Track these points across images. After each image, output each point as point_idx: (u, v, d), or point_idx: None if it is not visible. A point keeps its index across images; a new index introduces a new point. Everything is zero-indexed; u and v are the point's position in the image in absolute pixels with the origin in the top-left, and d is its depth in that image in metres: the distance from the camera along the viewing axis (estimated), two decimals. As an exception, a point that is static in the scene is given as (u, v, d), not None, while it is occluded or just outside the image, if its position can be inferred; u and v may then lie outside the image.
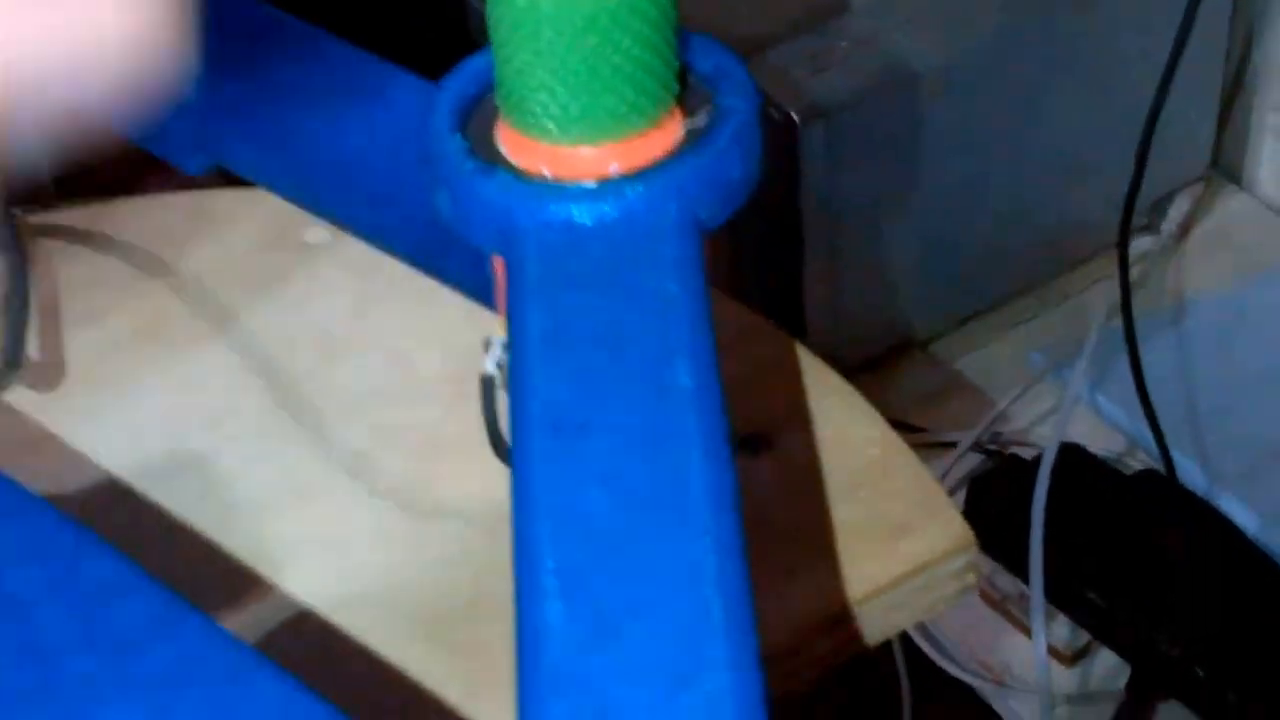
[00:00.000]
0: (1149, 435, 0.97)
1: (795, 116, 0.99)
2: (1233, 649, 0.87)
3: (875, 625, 0.49)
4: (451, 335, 0.55)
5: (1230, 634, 0.88)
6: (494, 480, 0.45)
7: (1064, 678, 0.94)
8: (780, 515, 0.50)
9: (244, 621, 0.49)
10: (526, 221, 0.39)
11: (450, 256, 0.46)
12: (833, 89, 0.99)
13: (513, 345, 0.37)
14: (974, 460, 1.04)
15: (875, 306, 1.10)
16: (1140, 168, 0.82)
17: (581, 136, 0.39)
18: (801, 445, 0.52)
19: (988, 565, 0.98)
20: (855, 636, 0.48)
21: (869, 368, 1.12)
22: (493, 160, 0.40)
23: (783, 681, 0.48)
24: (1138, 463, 0.99)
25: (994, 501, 0.97)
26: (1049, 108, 1.07)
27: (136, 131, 0.55)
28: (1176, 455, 0.96)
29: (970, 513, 0.98)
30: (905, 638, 0.99)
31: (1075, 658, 0.95)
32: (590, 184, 0.39)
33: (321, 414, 0.54)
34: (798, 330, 1.08)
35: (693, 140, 0.40)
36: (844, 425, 0.52)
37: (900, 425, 1.07)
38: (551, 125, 0.39)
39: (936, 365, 1.12)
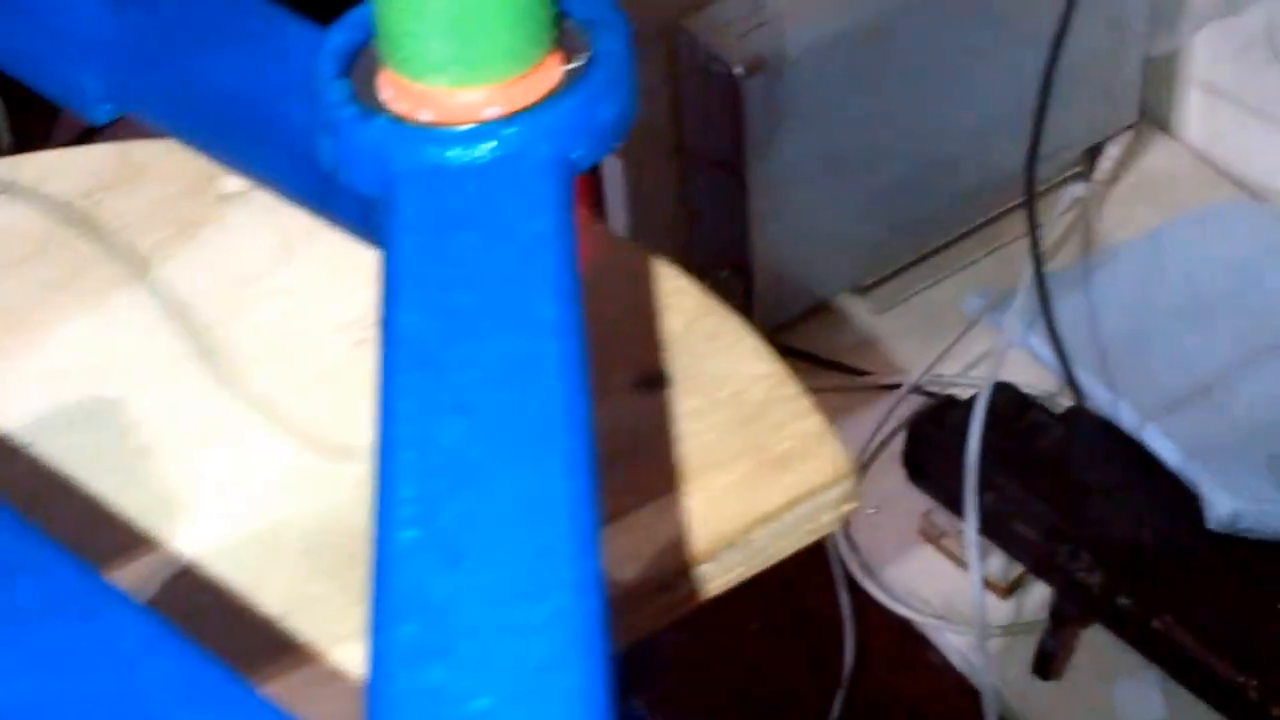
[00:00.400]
0: (1080, 373, 1.01)
1: (736, 70, 1.01)
2: (1155, 576, 0.90)
3: (762, 551, 0.51)
4: (356, 281, 0.56)
5: (1153, 562, 0.91)
6: None
7: (999, 609, 0.98)
8: (674, 449, 0.51)
9: (153, 561, 0.50)
10: (402, 165, 0.39)
11: (340, 200, 0.48)
12: (772, 43, 1.02)
13: (384, 284, 0.38)
14: (916, 402, 1.07)
15: (820, 254, 1.12)
16: (1039, 124, 0.85)
17: (457, 80, 0.39)
18: (695, 381, 0.53)
19: (926, 503, 1.02)
20: (743, 561, 0.51)
21: (814, 313, 1.15)
22: (374, 106, 0.40)
23: (676, 605, 0.50)
24: (1068, 400, 1.01)
25: (931, 441, 1.00)
26: (983, 60, 1.10)
27: (44, 81, 0.56)
28: (1103, 392, 0.99)
29: (909, 453, 1.01)
30: (847, 574, 1.02)
31: (1010, 590, 0.98)
32: (465, 127, 0.39)
33: (234, 359, 0.56)
34: (745, 277, 1.11)
35: (568, 83, 0.41)
36: (734, 362, 0.54)
37: (844, 369, 1.11)
38: (428, 70, 0.39)
39: (879, 311, 1.14)
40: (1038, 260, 0.85)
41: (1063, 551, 0.90)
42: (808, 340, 1.13)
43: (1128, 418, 0.97)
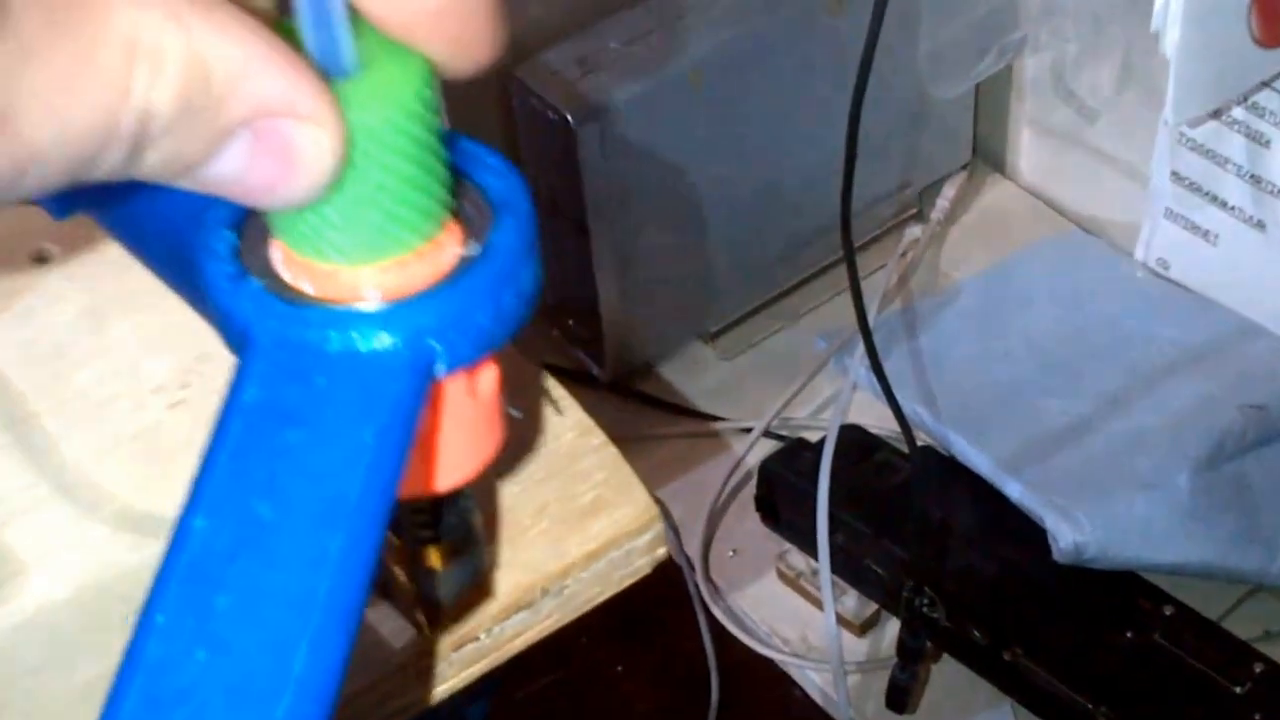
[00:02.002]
0: (923, 413, 1.03)
1: (570, 118, 1.02)
2: (1004, 610, 0.93)
3: (576, 597, 0.52)
4: (173, 340, 0.56)
5: (1002, 596, 0.93)
6: None
7: (855, 646, 1.00)
8: (483, 499, 0.52)
9: None
10: (261, 338, 0.36)
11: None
12: (604, 90, 1.03)
13: (198, 467, 0.35)
14: (768, 445, 1.09)
15: (667, 299, 1.14)
16: (849, 168, 0.86)
17: (332, 257, 0.36)
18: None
19: (781, 545, 1.03)
20: (558, 608, 0.52)
21: (664, 360, 1.16)
22: (256, 266, 0.37)
23: (497, 650, 0.51)
24: (917, 440, 1.03)
25: (782, 484, 1.02)
26: (814, 99, 1.11)
27: None
28: (945, 431, 1.01)
29: (761, 496, 1.03)
30: (710, 617, 1.03)
31: (865, 627, 1.00)
32: (328, 309, 0.36)
33: (45, 428, 0.56)
34: (594, 326, 1.12)
35: (459, 272, 0.36)
36: (541, 413, 0.55)
37: (696, 414, 1.13)
38: (300, 242, 0.36)
39: (728, 356, 1.16)
40: (860, 306, 0.87)
41: (908, 587, 0.92)
42: (658, 387, 1.15)
43: (970, 455, 1.00)
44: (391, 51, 0.35)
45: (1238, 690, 0.88)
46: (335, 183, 0.34)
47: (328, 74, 0.34)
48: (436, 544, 0.45)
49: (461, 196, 0.37)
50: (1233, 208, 1.04)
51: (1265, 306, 1.07)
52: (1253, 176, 1.02)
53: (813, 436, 1.04)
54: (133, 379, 0.57)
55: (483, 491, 0.53)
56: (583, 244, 1.08)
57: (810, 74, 1.11)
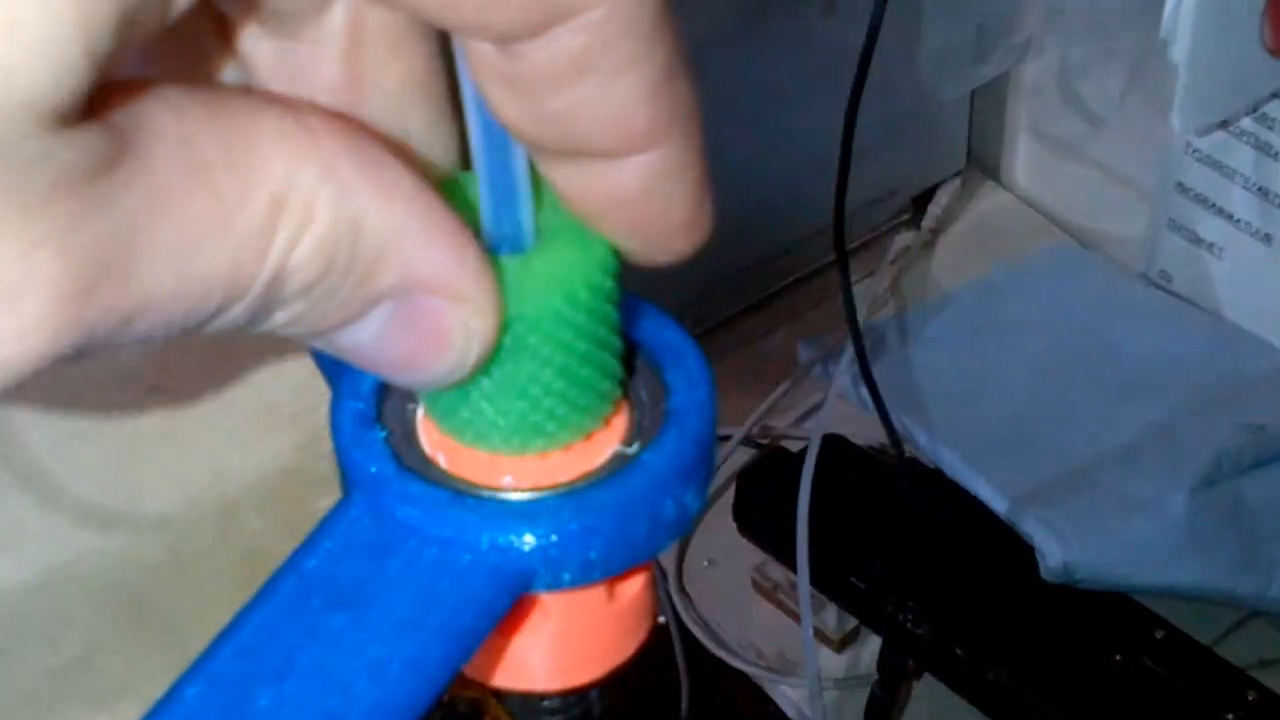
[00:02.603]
0: (910, 424, 1.00)
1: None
2: (988, 628, 0.90)
3: None
4: None
5: (986, 613, 0.90)
6: (176, 484, 0.45)
7: (833, 662, 0.97)
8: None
9: None
10: (360, 492, 0.32)
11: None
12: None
13: (237, 614, 0.31)
14: (747, 454, 1.06)
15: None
16: (843, 172, 0.84)
17: (469, 440, 0.32)
18: None
19: (758, 556, 1.00)
20: None
21: (643, 364, 1.13)
22: (396, 424, 0.33)
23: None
24: (900, 451, 1.01)
25: (760, 494, 0.99)
26: (804, 103, 1.10)
27: None
28: (931, 442, 0.99)
29: (739, 506, 1.00)
30: (682, 628, 1.00)
31: (843, 643, 0.97)
32: (444, 489, 0.32)
33: (11, 419, 0.54)
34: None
35: (611, 470, 0.32)
36: None
37: (674, 420, 1.10)
38: (437, 417, 0.33)
39: (711, 361, 1.13)
40: (852, 314, 0.85)
41: (890, 603, 0.90)
42: (638, 391, 1.12)
43: (958, 469, 0.97)
44: (574, 231, 0.32)
45: (1230, 718, 0.85)
46: (484, 367, 0.31)
47: (496, 247, 0.31)
48: None
49: (635, 377, 0.34)
50: (1239, 220, 1.02)
51: (1269, 321, 1.04)
52: (1260, 189, 1.00)
53: (793, 446, 1.01)
54: (106, 364, 0.54)
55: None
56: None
57: (801, 77, 1.09)
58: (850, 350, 0.99)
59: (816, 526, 0.94)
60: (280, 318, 0.28)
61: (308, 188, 0.27)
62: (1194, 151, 1.02)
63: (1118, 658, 0.88)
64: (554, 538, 0.31)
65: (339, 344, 0.29)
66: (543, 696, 0.39)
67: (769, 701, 0.98)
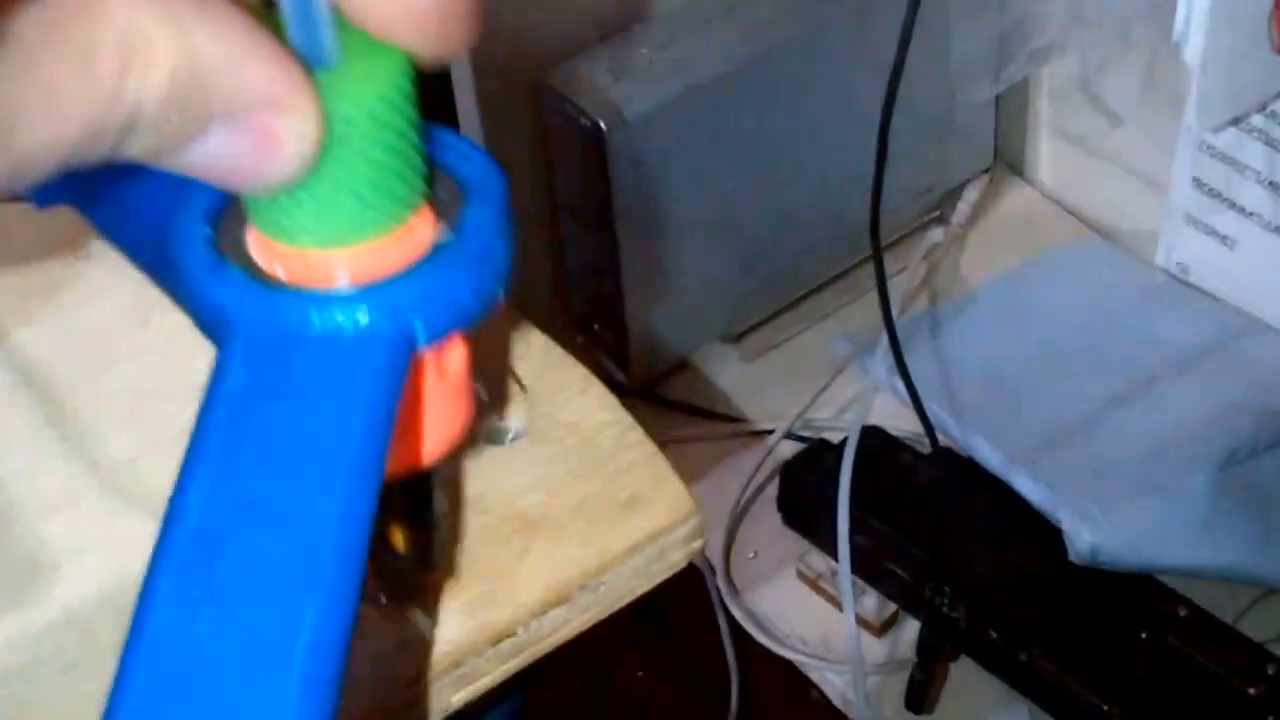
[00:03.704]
0: (944, 416, 1.04)
1: (601, 124, 1.04)
2: (1020, 610, 0.94)
3: (615, 591, 0.53)
4: None
5: (1018, 597, 0.94)
6: None
7: (874, 647, 1.01)
8: (526, 497, 0.53)
9: (15, 624, 0.51)
10: (239, 322, 0.37)
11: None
12: (636, 97, 1.05)
13: (187, 448, 0.37)
14: (791, 447, 1.10)
15: (691, 305, 1.15)
16: (879, 174, 0.87)
17: (307, 241, 0.37)
18: (544, 433, 0.55)
19: (802, 546, 1.05)
20: (596, 602, 0.53)
21: (688, 364, 1.17)
22: (232, 253, 0.38)
23: (534, 645, 0.52)
24: (939, 441, 1.05)
25: (803, 485, 1.03)
26: (840, 107, 1.13)
27: None
28: (965, 432, 1.02)
29: (783, 498, 1.05)
30: (730, 618, 1.05)
31: (884, 628, 1.01)
32: (308, 292, 0.37)
33: (89, 424, 0.56)
34: (619, 331, 1.13)
35: (433, 253, 0.37)
36: (581, 411, 0.56)
37: (719, 417, 1.14)
38: (275, 226, 0.37)
39: (751, 359, 1.17)
40: (886, 308, 0.89)
41: (928, 588, 0.93)
42: (682, 390, 1.16)
43: (990, 457, 1.01)
44: (369, 45, 0.36)
45: (1251, 692, 0.89)
46: (313, 169, 0.35)
47: (309, 66, 0.35)
48: (400, 524, 0.46)
49: (436, 183, 0.38)
50: (1252, 214, 1.05)
51: (1283, 310, 1.08)
52: (1271, 183, 1.03)
53: (834, 438, 1.05)
54: (176, 376, 0.57)
55: (534, 487, 0.54)
56: (610, 250, 1.10)
57: (837, 81, 1.12)
58: (885, 344, 1.03)
59: (856, 516, 0.98)
60: (135, 147, 0.32)
61: (150, 30, 0.31)
62: (1208, 148, 1.05)
63: (1143, 635, 0.92)
64: (408, 303, 0.37)
65: (186, 162, 0.34)
66: (386, 485, 0.43)
67: (813, 687, 1.02)
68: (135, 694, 0.34)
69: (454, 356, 0.40)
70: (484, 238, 0.38)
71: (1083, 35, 1.10)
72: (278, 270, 0.37)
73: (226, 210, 0.39)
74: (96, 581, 0.52)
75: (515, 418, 0.56)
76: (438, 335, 0.38)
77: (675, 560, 0.54)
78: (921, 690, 0.95)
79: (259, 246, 0.38)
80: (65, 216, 0.61)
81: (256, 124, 0.34)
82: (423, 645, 0.51)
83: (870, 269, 1.18)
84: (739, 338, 1.18)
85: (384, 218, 0.37)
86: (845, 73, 1.12)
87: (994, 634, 0.93)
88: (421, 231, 0.38)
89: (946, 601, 0.93)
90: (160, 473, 0.53)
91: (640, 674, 1.07)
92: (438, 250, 0.38)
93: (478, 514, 0.53)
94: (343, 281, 0.37)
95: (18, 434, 0.56)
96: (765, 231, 1.15)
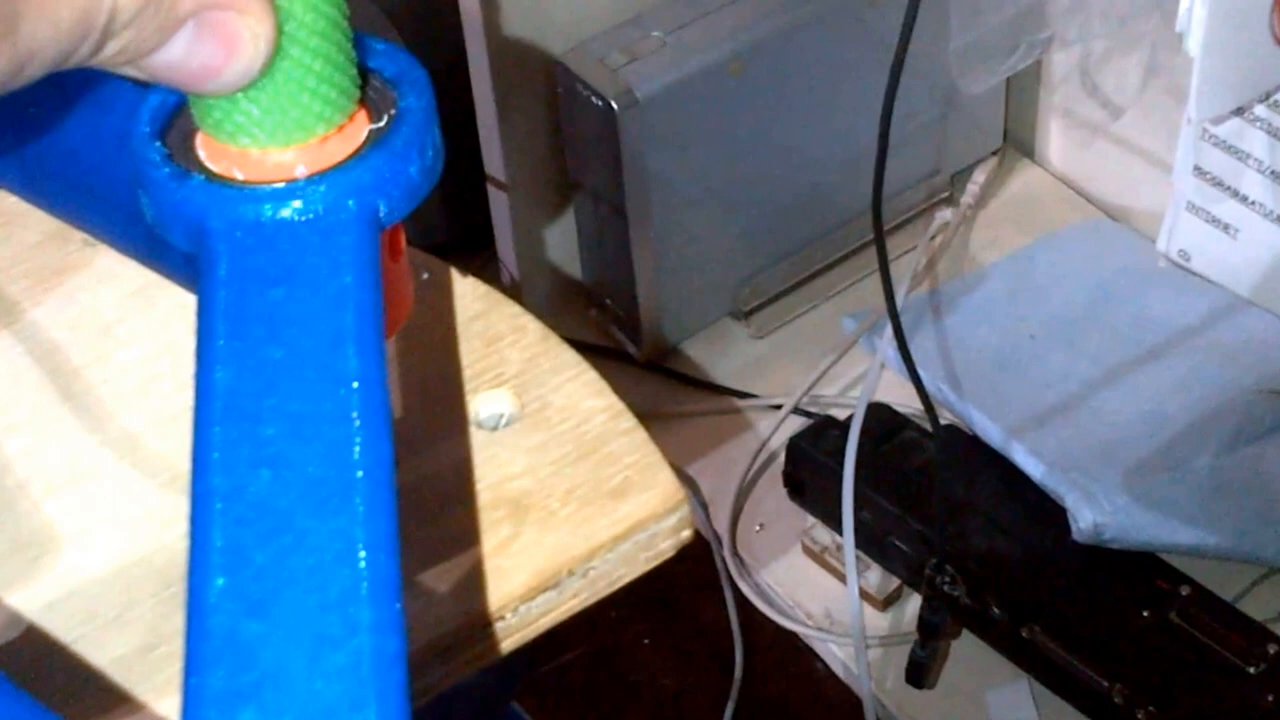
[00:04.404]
0: (949, 392, 1.05)
1: (613, 104, 1.05)
2: (1023, 587, 0.95)
3: (603, 578, 0.54)
4: None
5: (1021, 574, 0.95)
6: None
7: (878, 620, 1.02)
8: (515, 482, 0.54)
9: (17, 602, 0.52)
10: (216, 223, 0.41)
11: (168, 255, 0.48)
12: (647, 77, 1.06)
13: (198, 338, 0.40)
14: (797, 422, 1.11)
15: (702, 280, 1.16)
16: (881, 157, 0.88)
17: (265, 141, 0.41)
18: (537, 416, 0.56)
19: (807, 520, 1.06)
20: (584, 589, 0.54)
21: (698, 339, 1.18)
22: (190, 164, 0.42)
23: (522, 629, 0.53)
24: (942, 419, 1.05)
25: (809, 460, 1.04)
26: (850, 91, 1.14)
27: None
28: (970, 410, 1.03)
29: (789, 472, 1.06)
30: (735, 589, 1.06)
31: (887, 602, 1.02)
32: (276, 186, 0.41)
33: (100, 401, 0.58)
34: (630, 306, 1.15)
35: (375, 141, 0.42)
36: (574, 396, 0.57)
37: (728, 392, 1.15)
38: (236, 132, 0.41)
39: (760, 335, 1.18)
40: (889, 289, 0.89)
41: (930, 564, 0.94)
42: (692, 365, 1.17)
43: (994, 435, 1.01)
44: None
45: (1252, 670, 0.90)
46: (268, 72, 0.40)
47: None
48: None
49: (365, 81, 0.43)
50: (1253, 202, 1.06)
51: (1283, 297, 1.08)
52: (1273, 172, 1.04)
53: (841, 414, 1.06)
54: (179, 358, 0.59)
55: (523, 472, 0.55)
56: (620, 226, 1.11)
57: (847, 62, 1.13)
58: (890, 322, 1.04)
59: (861, 491, 0.99)
60: (111, 48, 0.36)
61: None
62: (1210, 137, 1.06)
63: (1145, 614, 0.92)
64: (370, 185, 0.41)
65: (154, 66, 0.38)
66: None
67: (816, 659, 1.04)
68: (217, 554, 0.36)
69: (400, 238, 0.45)
70: (421, 123, 0.42)
71: (1084, 25, 1.11)
72: (234, 173, 0.41)
73: (172, 129, 0.43)
74: (99, 559, 0.53)
75: (506, 402, 0.57)
76: (397, 210, 0.42)
77: (663, 549, 0.55)
78: (922, 666, 0.96)
79: (213, 153, 0.42)
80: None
81: (218, 25, 0.38)
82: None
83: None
84: (748, 314, 1.18)
85: (333, 112, 0.41)
86: (854, 54, 1.13)
87: (996, 610, 0.94)
88: (361, 124, 0.42)
89: (948, 579, 0.94)
90: (167, 449, 0.56)
91: (646, 642, 1.08)
92: (382, 138, 0.42)
93: (467, 498, 0.54)
94: (301, 174, 0.41)
95: (28, 413, 0.58)
96: (774, 210, 1.16)
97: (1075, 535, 0.94)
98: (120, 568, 0.53)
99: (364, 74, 0.43)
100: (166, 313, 0.60)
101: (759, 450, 1.11)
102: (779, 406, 1.13)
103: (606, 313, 1.18)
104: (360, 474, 0.37)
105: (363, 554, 0.37)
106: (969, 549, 0.96)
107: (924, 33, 1.05)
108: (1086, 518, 0.94)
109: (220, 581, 0.36)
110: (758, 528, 1.08)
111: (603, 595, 0.54)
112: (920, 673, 0.96)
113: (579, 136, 1.10)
